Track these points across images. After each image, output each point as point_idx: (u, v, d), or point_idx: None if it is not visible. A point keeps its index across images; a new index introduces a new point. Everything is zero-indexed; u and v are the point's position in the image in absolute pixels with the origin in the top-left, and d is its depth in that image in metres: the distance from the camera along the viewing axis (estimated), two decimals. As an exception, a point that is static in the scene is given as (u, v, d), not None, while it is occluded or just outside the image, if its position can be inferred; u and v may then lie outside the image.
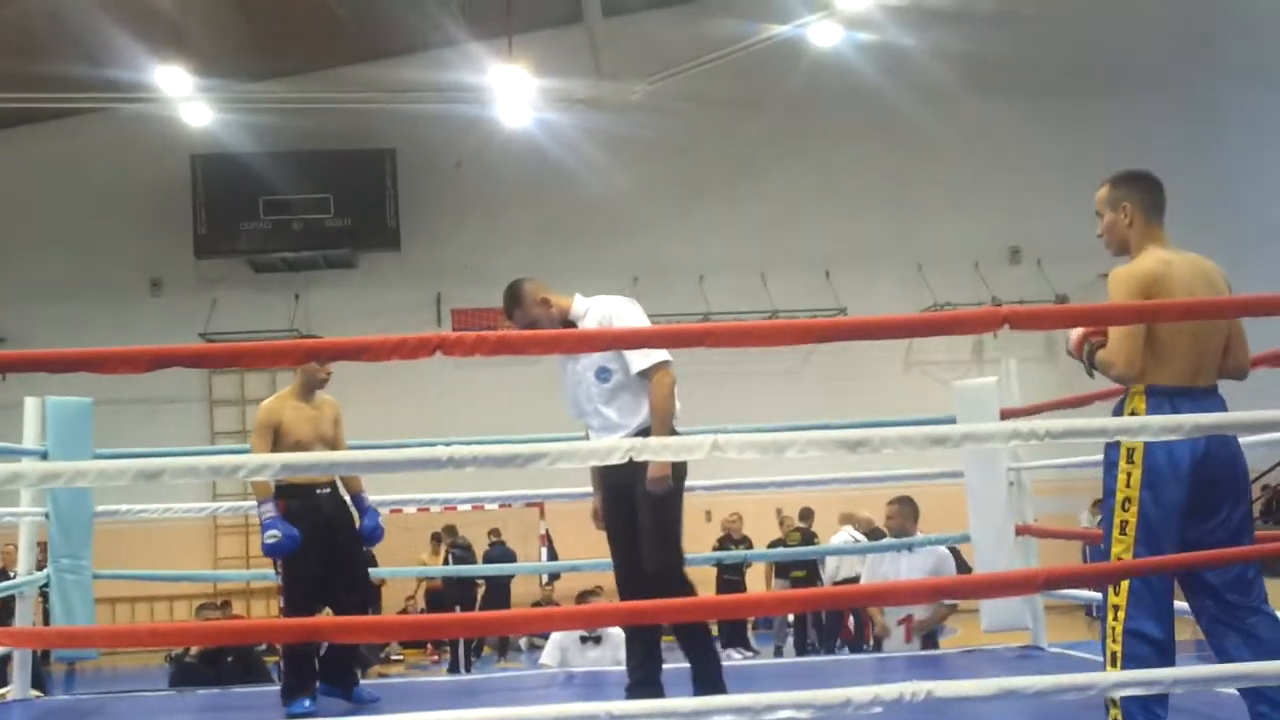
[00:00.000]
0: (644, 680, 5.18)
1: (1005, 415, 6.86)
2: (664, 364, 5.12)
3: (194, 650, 9.62)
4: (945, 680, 3.61)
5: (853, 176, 21.54)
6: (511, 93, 18.62)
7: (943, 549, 8.35)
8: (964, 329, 3.89)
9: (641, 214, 20.58)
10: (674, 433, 5.07)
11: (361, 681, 6.44)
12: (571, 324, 5.34)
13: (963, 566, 9.63)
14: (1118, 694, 3.84)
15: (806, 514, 16.79)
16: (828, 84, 20.61)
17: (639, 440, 3.81)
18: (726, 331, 3.93)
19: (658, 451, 3.77)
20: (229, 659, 9.18)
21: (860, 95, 20.70)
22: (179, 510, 7.58)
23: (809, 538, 16.08)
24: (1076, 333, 4.15)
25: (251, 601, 19.45)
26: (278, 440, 6.01)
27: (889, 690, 3.53)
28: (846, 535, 13.36)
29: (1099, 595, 4.43)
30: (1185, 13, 21.62)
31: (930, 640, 8.30)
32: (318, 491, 6.08)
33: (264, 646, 10.62)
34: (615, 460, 3.65)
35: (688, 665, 5.26)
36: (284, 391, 6.23)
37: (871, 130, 21.42)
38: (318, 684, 6.09)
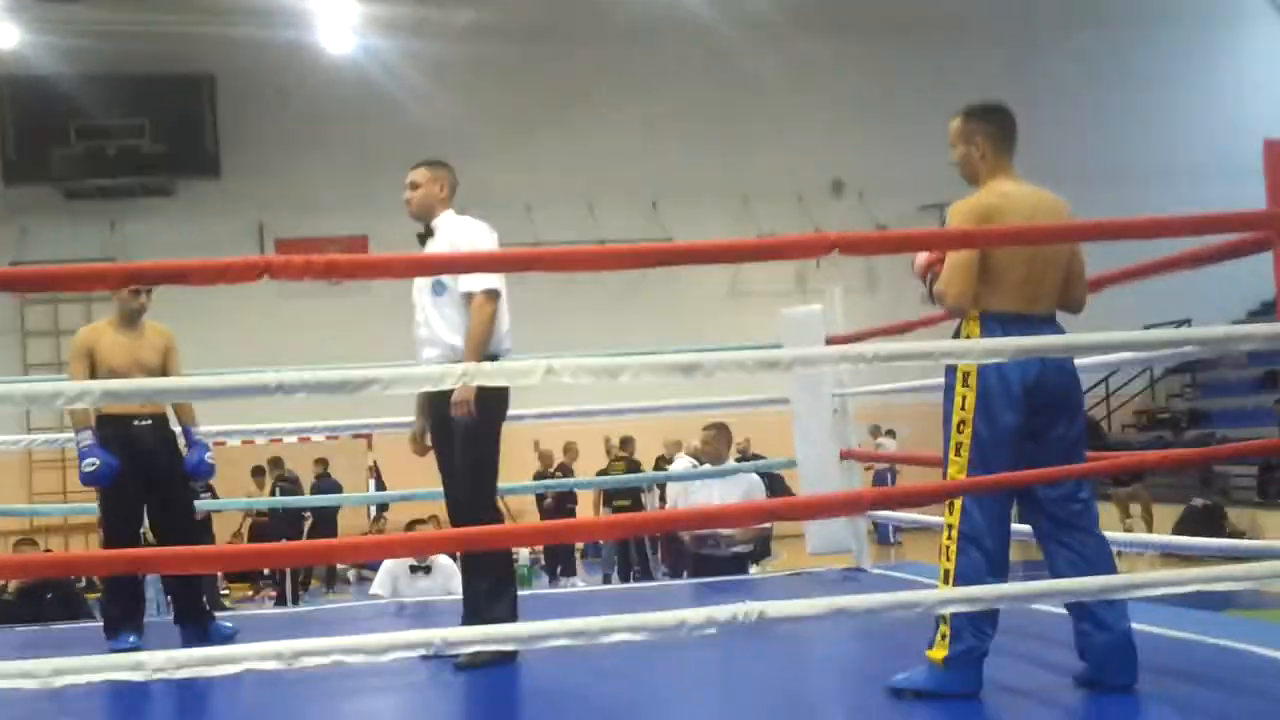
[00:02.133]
0: (499, 592, 5.17)
1: (831, 342, 6.97)
2: (490, 292, 5.07)
3: (11, 587, 9.34)
4: (778, 601, 3.67)
5: (680, 109, 21.61)
6: (334, 18, 18.23)
7: (754, 476, 8.49)
8: (794, 254, 3.94)
9: (469, 142, 20.27)
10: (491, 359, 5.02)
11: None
12: (429, 230, 5.34)
13: (787, 492, 9.81)
14: (944, 610, 3.94)
15: (626, 442, 16.82)
16: (656, 15, 20.61)
17: (472, 365, 3.78)
18: (555, 257, 3.92)
19: (491, 376, 3.74)
20: (48, 596, 8.91)
21: (688, 28, 20.74)
22: (-6, 442, 7.33)
23: (633, 466, 16.17)
24: (921, 258, 4.21)
25: (70, 538, 18.93)
26: (93, 368, 5.83)
27: (722, 611, 3.57)
28: (687, 463, 13.47)
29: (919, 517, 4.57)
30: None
31: (739, 568, 8.40)
32: (135, 423, 5.89)
33: (84, 583, 10.36)
34: (449, 385, 3.64)
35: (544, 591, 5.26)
36: (105, 320, 6.02)
37: (700, 63, 21.50)
38: (182, 627, 5.98)
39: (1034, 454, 4.06)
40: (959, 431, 4.06)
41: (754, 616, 3.52)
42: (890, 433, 18.96)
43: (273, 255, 3.55)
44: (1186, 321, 18.85)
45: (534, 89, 21.26)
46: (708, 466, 8.77)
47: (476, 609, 5.12)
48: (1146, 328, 17.97)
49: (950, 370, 4.10)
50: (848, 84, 21.76)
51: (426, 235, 5.36)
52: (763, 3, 20.48)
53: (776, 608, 3.60)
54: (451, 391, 4.82)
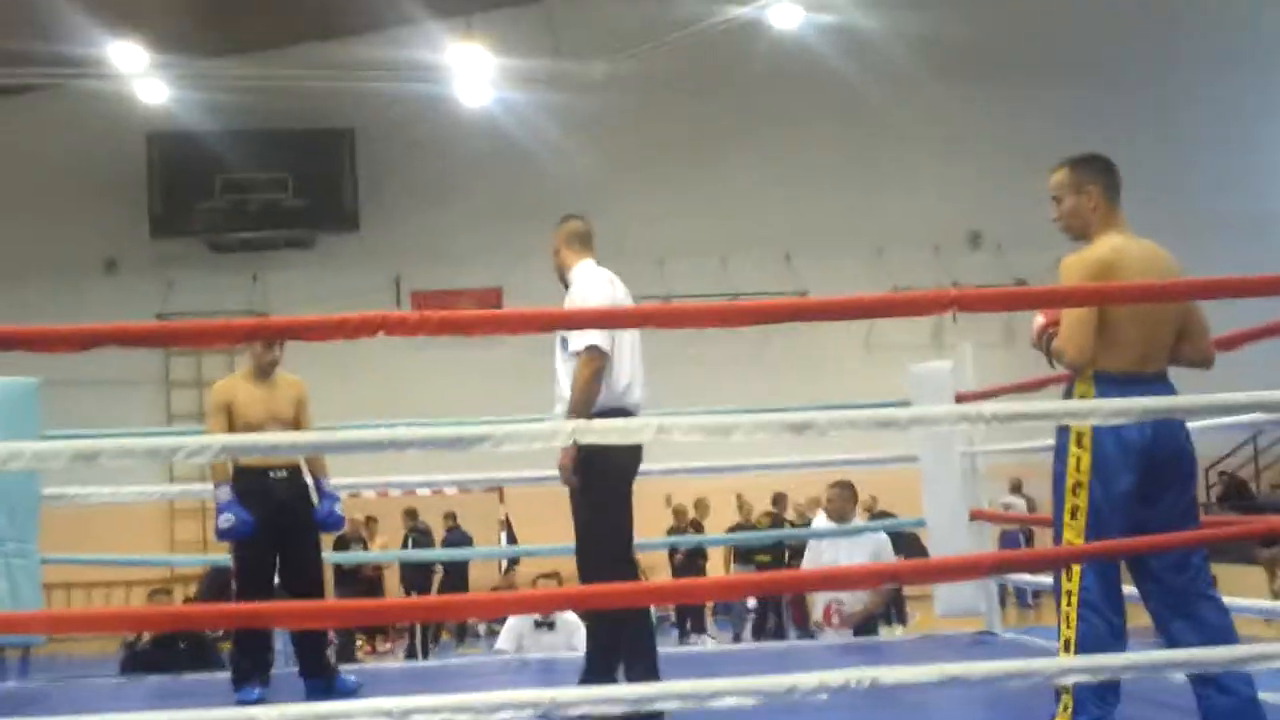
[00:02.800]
0: (598, 664, 5.13)
1: (960, 399, 6.84)
2: (591, 349, 5.01)
3: (146, 636, 9.51)
4: (892, 667, 3.58)
5: (813, 158, 21.51)
6: (470, 72, 18.51)
7: (882, 535, 8.35)
8: (913, 310, 3.87)
9: (601, 195, 20.43)
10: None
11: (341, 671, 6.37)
12: (566, 284, 5.39)
13: (922, 553, 9.64)
14: (1064, 680, 3.82)
15: (778, 499, 16.70)
16: (788, 66, 20.56)
17: (582, 423, 3.76)
18: (667, 313, 3.89)
19: (603, 434, 3.72)
20: (181, 645, 9.06)
21: (821, 77, 20.66)
22: (128, 493, 7.49)
23: (778, 523, 16.03)
24: (1038, 323, 4.13)
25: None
26: (230, 421, 5.92)
27: (834, 677, 3.50)
28: (822, 519, 13.33)
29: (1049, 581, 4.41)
30: (1143, 2, 21.68)
31: (868, 630, 8.26)
32: (271, 475, 5.96)
33: (219, 633, 10.52)
34: (559, 443, 3.61)
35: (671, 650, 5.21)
36: (239, 372, 6.14)
37: (832, 112, 21.40)
38: (306, 680, 6.03)
39: (1147, 519, 3.93)
40: (1074, 494, 3.95)
41: (866, 683, 3.45)
42: (1018, 490, 18.55)
43: (390, 311, 3.57)
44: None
45: (667, 140, 21.33)
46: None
47: (593, 667, 5.09)
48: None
49: (1063, 431, 3.99)
50: (985, 133, 21.50)
51: (568, 287, 5.43)
52: (900, 50, 20.36)
53: (889, 674, 3.52)
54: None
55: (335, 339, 3.60)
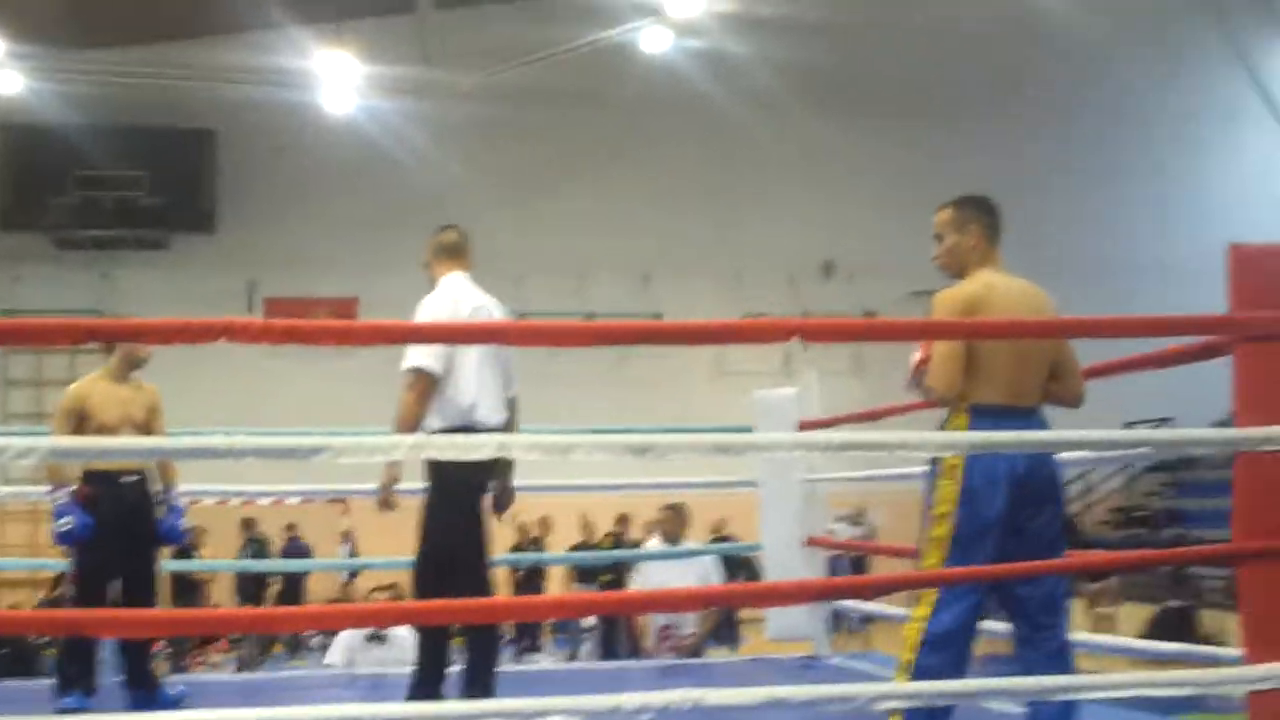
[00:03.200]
0: (424, 680, 5.13)
1: (804, 427, 6.95)
2: (415, 371, 5.01)
3: (-31, 642, 9.28)
4: (717, 688, 3.64)
5: (677, 182, 21.66)
6: (337, 79, 18.36)
7: (710, 559, 8.48)
8: (756, 338, 3.93)
9: (464, 207, 20.22)
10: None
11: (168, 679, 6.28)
12: None
13: (757, 575, 9.76)
14: (881, 706, 3.90)
15: (622, 519, 16.73)
16: (658, 89, 20.72)
17: (422, 437, 3.77)
18: (516, 330, 3.92)
19: (443, 450, 3.74)
20: (3, 650, 8.86)
21: (690, 101, 20.84)
22: (-46, 493, 7.28)
23: (621, 543, 16.06)
24: (913, 359, 4.21)
25: (39, 592, 18.77)
26: (83, 423, 5.80)
27: (657, 698, 3.54)
28: (656, 542, 13.42)
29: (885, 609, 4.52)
30: (1008, 44, 22.23)
31: (696, 655, 8.39)
32: (122, 479, 5.86)
33: (43, 639, 10.29)
34: (399, 456, 3.62)
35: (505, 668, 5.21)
36: (97, 372, 6.00)
37: (698, 137, 21.58)
38: (129, 690, 5.92)
39: (1015, 550, 4.03)
40: (938, 523, 4.04)
41: (689, 704, 3.50)
42: (853, 518, 18.75)
43: (233, 318, 3.54)
44: (1169, 420, 18.87)
45: (533, 156, 21.33)
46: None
47: (419, 682, 5.08)
48: (1127, 425, 18.04)
49: (934, 460, 4.09)
50: (844, 164, 21.84)
51: None
52: (766, 77, 20.58)
53: (714, 695, 3.58)
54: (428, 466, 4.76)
55: (177, 343, 3.56)
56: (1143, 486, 22.47)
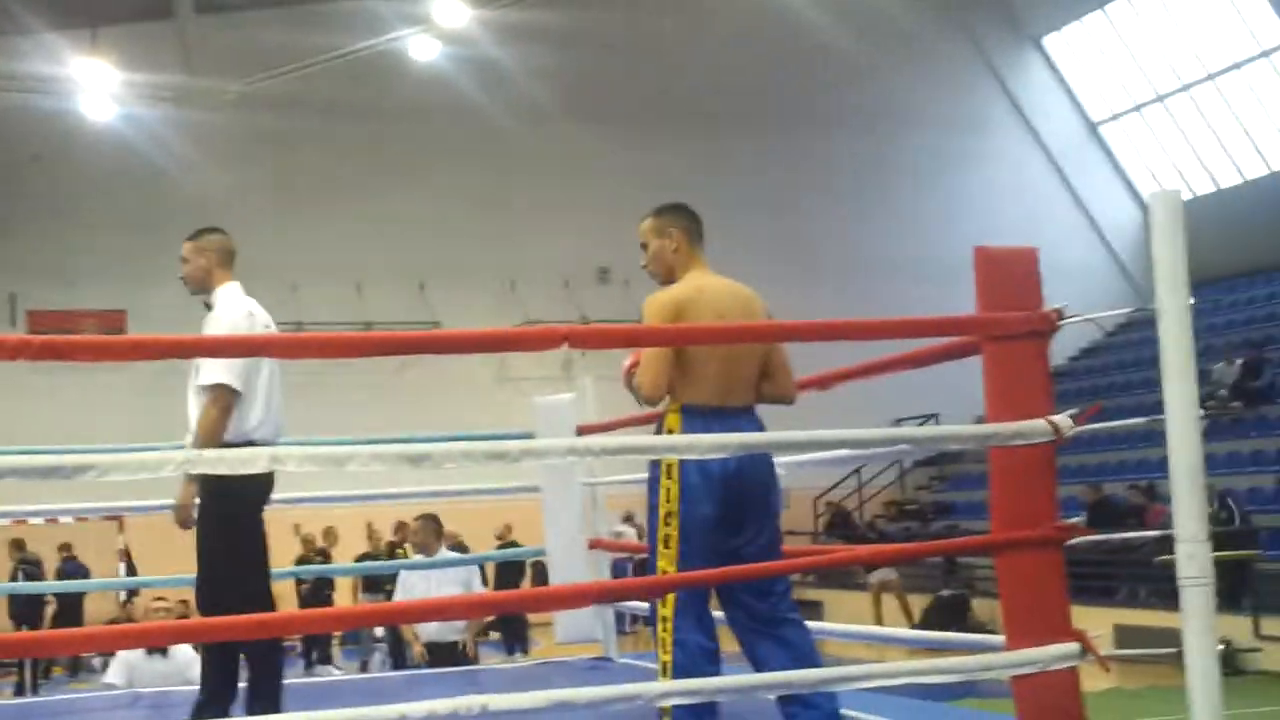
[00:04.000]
0: (212, 697, 5.03)
1: (581, 431, 7.00)
2: (220, 388, 4.89)
3: None
4: (503, 694, 3.66)
5: (450, 190, 21.65)
6: (94, 86, 17.83)
7: (472, 567, 8.56)
8: (528, 345, 3.98)
9: (233, 216, 19.57)
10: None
11: None
12: (208, 305, 5.18)
13: (543, 579, 9.82)
14: (663, 703, 3.98)
15: (400, 527, 16.63)
16: (427, 97, 20.68)
17: (193, 453, 3.70)
18: (297, 343, 3.88)
19: (213, 464, 3.67)
20: None
21: (459, 111, 20.85)
22: None
23: (395, 552, 15.97)
24: (625, 364, 4.29)
25: None
26: None
27: (444, 705, 3.53)
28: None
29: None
30: (769, 57, 22.81)
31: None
32: None
33: None
34: (168, 473, 3.53)
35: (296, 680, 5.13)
36: None
37: (471, 146, 21.59)
38: None
39: (735, 548, 4.14)
40: (666, 524, 4.13)
41: (476, 710, 3.51)
42: (630, 519, 18.98)
43: (-11, 335, 3.43)
44: (934, 416, 19.54)
45: (303, 164, 21.06)
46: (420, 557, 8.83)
47: (208, 699, 4.99)
48: (896, 421, 18.63)
49: (654, 463, 4.17)
50: (615, 171, 22.07)
51: (209, 308, 5.19)
52: (534, 86, 20.74)
53: (500, 700, 3.59)
54: (200, 481, 4.63)
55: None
56: (913, 481, 23.23)
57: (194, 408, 5.00)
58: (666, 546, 4.12)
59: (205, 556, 5.03)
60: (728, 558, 4.11)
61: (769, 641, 4.17)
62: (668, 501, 4.12)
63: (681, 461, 4.08)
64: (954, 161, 24.60)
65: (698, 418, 4.13)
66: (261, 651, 5.11)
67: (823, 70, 22.98)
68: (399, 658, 14.80)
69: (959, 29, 24.72)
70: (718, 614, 4.26)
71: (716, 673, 4.08)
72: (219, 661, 5.07)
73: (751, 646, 4.21)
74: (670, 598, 4.11)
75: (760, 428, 4.21)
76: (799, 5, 20.77)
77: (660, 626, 4.13)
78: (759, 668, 4.15)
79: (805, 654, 4.14)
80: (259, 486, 5.03)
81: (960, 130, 24.51)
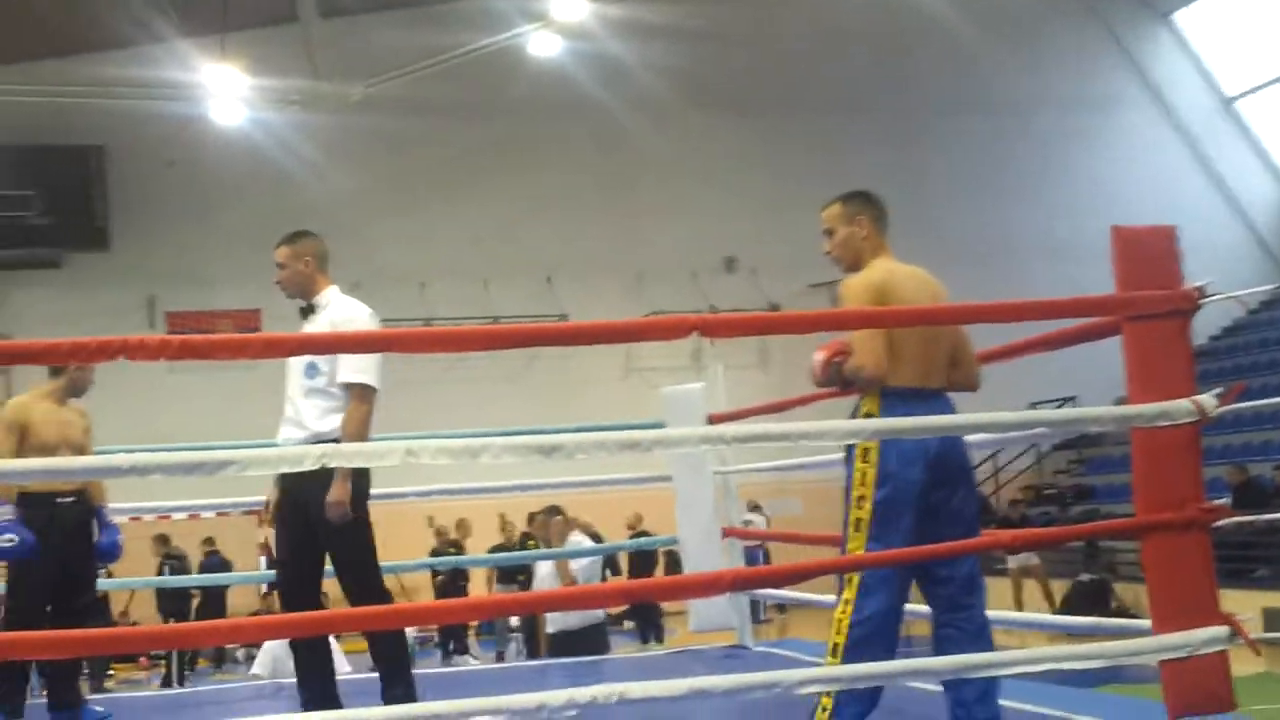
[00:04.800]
0: (321, 693, 5.07)
1: (712, 420, 6.99)
2: (367, 388, 4.97)
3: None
4: (642, 681, 3.65)
5: (574, 184, 21.75)
6: (225, 91, 18.19)
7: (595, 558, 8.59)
8: (660, 335, 3.94)
9: (361, 217, 20.28)
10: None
11: (89, 698, 6.18)
12: (311, 306, 5.22)
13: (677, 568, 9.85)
14: (803, 690, 3.93)
15: (533, 518, 16.77)
16: (548, 93, 20.77)
17: (330, 446, 3.74)
18: (429, 337, 3.92)
19: (351, 458, 3.72)
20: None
21: (580, 105, 20.92)
22: None
23: (528, 543, 16.08)
24: (819, 359, 4.22)
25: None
26: (24, 441, 5.72)
27: (583, 693, 3.55)
28: (578, 538, 13.47)
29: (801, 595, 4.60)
30: (888, 41, 22.62)
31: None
32: (58, 500, 5.77)
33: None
34: (308, 466, 3.58)
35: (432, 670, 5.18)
36: (40, 391, 5.91)
37: (592, 139, 21.67)
38: (52, 713, 5.83)
39: (934, 531, 4.08)
40: (858, 507, 4.07)
41: (614, 698, 3.51)
42: (758, 508, 18.91)
43: (129, 336, 3.48)
44: (1072, 399, 19.21)
45: (429, 164, 21.29)
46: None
47: (394, 682, 5.03)
48: (1032, 405, 18.34)
49: (849, 446, 4.13)
50: (740, 162, 22.05)
51: (309, 311, 5.25)
52: (657, 80, 20.75)
53: (638, 688, 3.59)
54: (310, 478, 4.65)
55: (73, 363, 3.52)
56: (1051, 465, 22.87)
57: (305, 405, 5.08)
58: (857, 530, 4.07)
59: (347, 547, 5.07)
60: (922, 542, 4.05)
61: (958, 633, 4.12)
62: (861, 485, 4.07)
63: (881, 444, 4.03)
64: (1084, 141, 24.13)
65: (900, 401, 4.08)
66: (392, 640, 5.16)
67: (947, 54, 22.69)
68: (534, 647, 14.99)
69: (1086, 8, 24.25)
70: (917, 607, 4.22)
71: (889, 659, 4.02)
72: (393, 643, 5.11)
73: (940, 637, 4.17)
74: (854, 580, 4.05)
75: (953, 411, 4.16)
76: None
77: (839, 608, 4.08)
78: (942, 653, 4.10)
79: (981, 646, 4.09)
80: (369, 481, 5.09)
81: (1089, 109, 24.03)
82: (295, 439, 5.02)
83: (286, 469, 3.69)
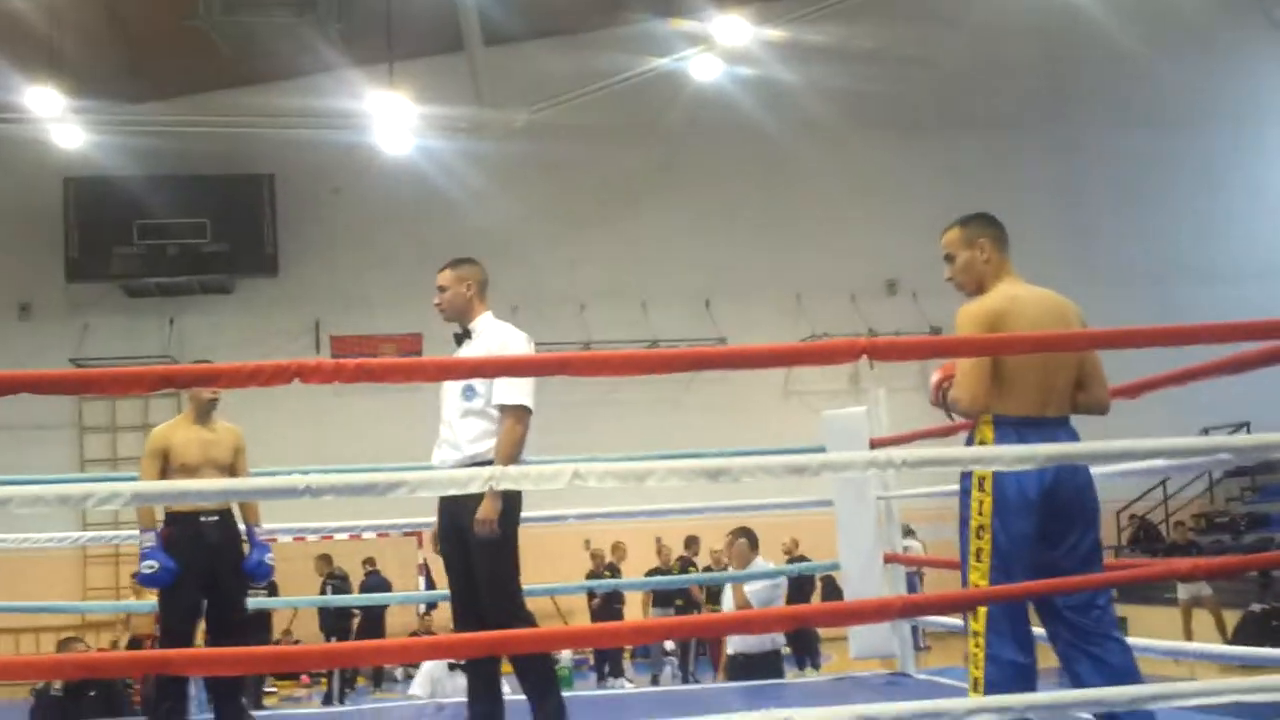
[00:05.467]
0: (487, 714, 5.13)
1: (875, 444, 6.93)
2: (523, 409, 5.07)
3: (58, 684, 9.40)
4: (806, 708, 3.62)
5: (733, 207, 21.72)
6: (391, 119, 18.55)
7: (778, 580, 8.50)
8: (825, 359, 3.92)
9: (523, 242, 20.53)
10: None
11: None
12: (467, 332, 5.32)
13: (840, 594, 9.76)
14: (975, 719, 3.88)
15: (690, 542, 16.81)
16: (709, 117, 20.80)
17: (498, 469, 3.78)
18: (587, 361, 3.93)
19: (518, 481, 3.75)
20: (91, 693, 8.95)
21: (741, 128, 20.90)
22: (38, 540, 7.40)
23: (686, 567, 16.11)
24: (934, 379, 4.22)
25: (123, 634, 19.00)
26: (167, 464, 5.93)
27: (750, 718, 3.53)
28: (761, 563, 13.44)
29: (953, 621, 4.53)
30: (1052, 56, 22.22)
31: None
32: (202, 519, 5.94)
33: (130, 681, 10.39)
34: (475, 489, 3.63)
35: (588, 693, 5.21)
36: (180, 416, 6.15)
37: (752, 162, 21.62)
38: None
39: (1052, 561, 4.02)
40: (978, 537, 4.03)
41: (779, 724, 3.49)
42: (911, 532, 18.63)
43: (305, 359, 3.58)
44: (1246, 424, 18.64)
45: (589, 189, 21.45)
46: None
47: (544, 707, 5.07)
48: (1204, 431, 17.82)
49: (966, 475, 4.08)
50: (902, 183, 21.81)
51: (464, 336, 5.35)
52: (818, 102, 20.67)
53: (805, 715, 3.56)
54: (467, 498, 4.73)
55: (250, 386, 3.59)
56: (1224, 492, 22.18)
57: (461, 427, 5.15)
58: (979, 560, 4.03)
59: (488, 578, 5.12)
60: (1044, 571, 4.00)
61: (1087, 659, 4.03)
62: (979, 515, 4.03)
63: (996, 474, 3.98)
64: (1252, 156, 23.40)
65: (1011, 429, 4.03)
66: (540, 669, 5.20)
67: (1113, 68, 22.20)
68: (688, 671, 14.99)
69: (1256, 16, 23.52)
70: (1039, 632, 4.15)
71: (1030, 690, 3.95)
72: (540, 669, 5.15)
73: (1070, 663, 4.09)
74: (981, 612, 4.01)
75: (1075, 439, 4.08)
76: (1081, 2, 20.13)
77: (971, 641, 4.04)
78: (1076, 686, 4.01)
79: (1125, 672, 3.99)
80: (519, 505, 5.15)
81: (1257, 123, 23.32)
82: (451, 460, 5.12)
83: (456, 491, 3.74)
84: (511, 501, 5.06)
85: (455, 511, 5.07)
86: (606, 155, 21.21)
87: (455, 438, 5.16)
